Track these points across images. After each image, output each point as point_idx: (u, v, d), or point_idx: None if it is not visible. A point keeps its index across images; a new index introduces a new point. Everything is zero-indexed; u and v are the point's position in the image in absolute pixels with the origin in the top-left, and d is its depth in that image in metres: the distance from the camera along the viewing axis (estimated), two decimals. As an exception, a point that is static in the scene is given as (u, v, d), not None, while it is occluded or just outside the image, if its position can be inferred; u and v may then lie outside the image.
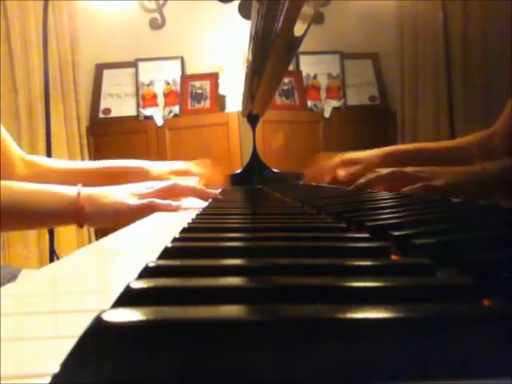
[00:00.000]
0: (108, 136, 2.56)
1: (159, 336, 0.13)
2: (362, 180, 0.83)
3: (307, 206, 0.63)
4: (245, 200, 0.89)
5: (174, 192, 0.83)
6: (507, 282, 0.19)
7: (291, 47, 0.79)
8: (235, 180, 1.58)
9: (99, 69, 2.68)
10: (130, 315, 0.14)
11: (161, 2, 2.73)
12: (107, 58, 2.67)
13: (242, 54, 2.32)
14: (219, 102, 2.61)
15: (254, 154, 1.62)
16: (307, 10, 0.61)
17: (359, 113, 2.70)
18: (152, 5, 2.73)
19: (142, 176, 0.94)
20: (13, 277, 0.90)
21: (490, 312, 0.16)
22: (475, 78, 2.44)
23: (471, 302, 0.18)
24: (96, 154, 2.53)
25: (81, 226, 0.70)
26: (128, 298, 0.18)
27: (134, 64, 2.67)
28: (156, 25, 2.73)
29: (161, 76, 2.67)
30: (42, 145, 2.22)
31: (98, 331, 0.13)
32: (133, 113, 2.63)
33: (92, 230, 2.45)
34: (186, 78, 2.67)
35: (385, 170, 0.82)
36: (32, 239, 2.26)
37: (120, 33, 2.64)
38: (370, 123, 2.66)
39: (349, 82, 2.76)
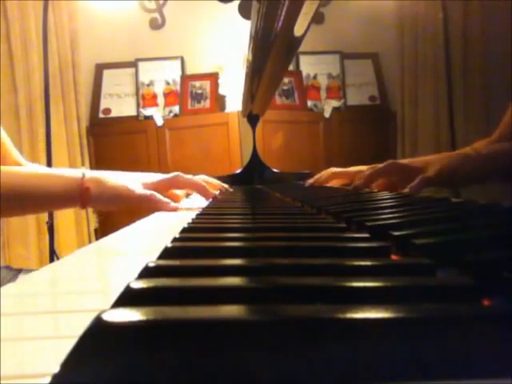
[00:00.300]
0: (108, 136, 2.56)
1: (159, 336, 0.13)
2: (361, 180, 0.83)
3: (307, 205, 0.63)
4: (245, 200, 0.89)
5: (177, 183, 0.84)
6: (507, 281, 0.19)
7: (291, 47, 0.79)
8: (235, 180, 1.58)
9: (99, 69, 2.68)
10: (130, 315, 0.14)
11: (161, 1, 2.73)
12: (107, 58, 2.67)
13: (242, 54, 2.33)
14: (219, 101, 2.61)
15: (254, 154, 1.62)
16: (307, 9, 0.61)
17: (359, 113, 2.70)
18: (152, 5, 2.73)
19: None
20: (13, 277, 0.91)
21: (490, 312, 0.16)
22: (475, 78, 2.44)
23: (471, 301, 0.18)
24: (96, 154, 2.53)
25: (84, 206, 0.71)
26: (128, 298, 0.18)
27: (134, 64, 2.67)
28: (156, 25, 2.73)
29: (161, 76, 2.67)
30: (41, 145, 2.22)
31: (98, 331, 0.13)
32: (133, 113, 2.63)
33: (92, 230, 2.45)
34: (186, 78, 2.67)
35: (379, 165, 0.82)
36: (32, 239, 2.26)
37: (120, 33, 2.64)
38: (370, 123, 2.66)
39: (349, 82, 2.76)
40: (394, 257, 0.27)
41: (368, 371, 0.13)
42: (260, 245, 0.31)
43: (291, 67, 2.68)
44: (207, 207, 0.72)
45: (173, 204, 0.77)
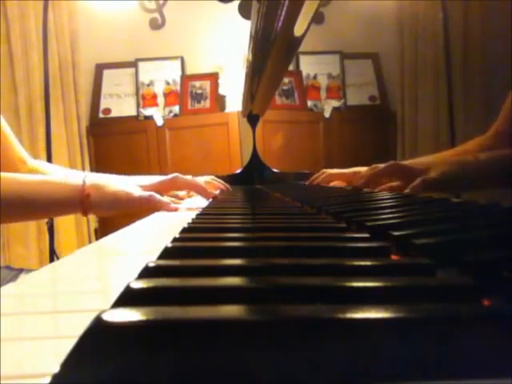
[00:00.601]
0: (108, 136, 2.56)
1: (159, 336, 0.13)
2: (362, 179, 0.83)
3: (307, 206, 0.63)
4: (245, 200, 0.89)
5: (176, 184, 0.85)
6: (507, 281, 0.19)
7: (291, 47, 0.79)
8: (235, 180, 1.58)
9: (99, 69, 2.68)
10: (130, 315, 0.14)
11: (161, 1, 2.73)
12: (107, 58, 2.67)
13: (242, 54, 2.33)
14: (219, 101, 2.61)
15: (254, 154, 1.62)
16: (307, 9, 0.61)
17: (359, 113, 2.70)
18: (152, 5, 2.73)
19: None
20: (14, 277, 0.91)
21: (490, 312, 0.16)
22: (475, 78, 2.44)
23: (471, 301, 0.18)
24: (96, 154, 2.53)
25: (85, 213, 0.72)
26: (128, 298, 0.18)
27: (134, 64, 2.67)
28: (156, 25, 2.73)
29: (161, 76, 2.67)
30: (41, 145, 2.22)
31: (98, 331, 0.13)
32: (133, 113, 2.63)
33: (92, 230, 2.45)
34: (186, 78, 2.67)
35: (381, 165, 0.82)
36: (32, 239, 2.26)
37: (120, 33, 2.64)
38: (370, 123, 2.66)
39: (349, 82, 2.76)
40: (394, 257, 0.27)
41: (368, 371, 0.13)
42: (260, 245, 0.31)
43: (291, 67, 2.68)
44: (207, 207, 0.72)
45: (173, 204, 0.77)
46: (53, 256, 2.01)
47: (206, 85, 2.64)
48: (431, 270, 0.22)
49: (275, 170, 1.64)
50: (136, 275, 0.21)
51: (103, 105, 2.64)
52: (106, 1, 2.59)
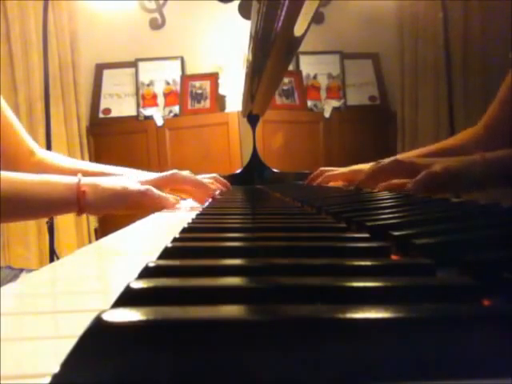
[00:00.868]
0: (108, 136, 2.56)
1: (159, 336, 0.13)
2: (364, 176, 0.82)
3: (307, 206, 0.63)
4: (245, 200, 0.89)
5: (175, 180, 0.83)
6: (507, 281, 0.19)
7: (291, 47, 0.79)
8: (235, 180, 1.58)
9: (99, 69, 2.68)
10: (130, 315, 0.14)
11: (161, 1, 2.73)
12: (107, 58, 2.67)
13: (242, 54, 2.33)
14: (219, 101, 2.61)
15: (254, 153, 1.62)
16: (307, 9, 0.61)
17: (359, 113, 2.70)
18: (152, 5, 2.73)
19: None
20: (14, 277, 0.90)
21: (490, 312, 0.16)
22: (475, 78, 2.44)
23: (471, 302, 0.18)
24: (96, 154, 2.53)
25: (81, 212, 0.70)
26: (128, 297, 0.18)
27: (134, 64, 2.67)
28: (156, 25, 2.73)
29: (161, 76, 2.67)
30: (41, 144, 2.21)
31: (98, 331, 0.13)
32: (133, 113, 2.63)
33: (92, 230, 2.45)
34: (185, 78, 2.67)
35: (385, 161, 0.81)
36: (32, 239, 2.26)
37: (120, 33, 2.64)
38: (370, 123, 2.67)
39: (349, 82, 2.76)
40: (394, 257, 0.27)
41: (368, 371, 0.13)
42: (260, 245, 0.31)
43: (291, 67, 2.68)
44: (207, 207, 0.72)
45: (170, 200, 0.76)
46: (53, 256, 2.01)
47: (206, 85, 2.64)
48: (431, 270, 0.22)
49: (275, 170, 1.64)
50: (136, 275, 0.21)
51: (103, 105, 2.64)
52: (106, 1, 2.59)
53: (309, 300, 0.17)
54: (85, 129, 2.49)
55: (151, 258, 0.24)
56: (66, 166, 0.94)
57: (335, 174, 1.18)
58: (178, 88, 2.66)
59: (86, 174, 0.75)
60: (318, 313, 0.15)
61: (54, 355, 0.14)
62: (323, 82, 2.73)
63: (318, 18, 2.67)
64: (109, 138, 2.56)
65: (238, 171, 1.64)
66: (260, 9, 0.68)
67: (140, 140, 2.53)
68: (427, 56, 2.51)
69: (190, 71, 2.72)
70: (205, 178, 1.15)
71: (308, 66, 2.73)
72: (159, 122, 2.55)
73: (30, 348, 0.16)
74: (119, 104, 2.65)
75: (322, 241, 0.32)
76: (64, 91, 2.41)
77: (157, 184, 0.79)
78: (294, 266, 0.24)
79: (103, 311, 0.14)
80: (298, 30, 0.68)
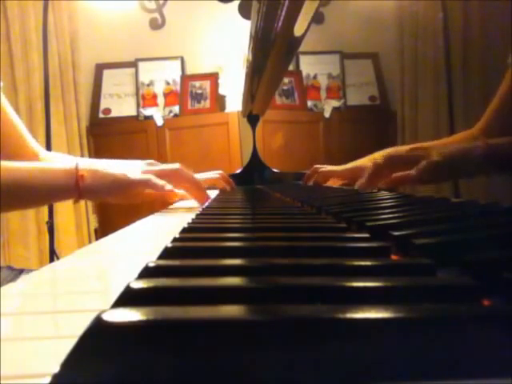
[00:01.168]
0: (108, 136, 2.56)
1: (159, 336, 0.13)
2: (363, 180, 0.82)
3: (307, 205, 0.63)
4: (245, 200, 0.89)
5: (177, 176, 0.80)
6: (507, 281, 0.19)
7: (291, 47, 0.79)
8: (235, 180, 1.58)
9: (99, 69, 2.68)
10: (130, 315, 0.14)
11: (161, 1, 2.73)
12: (107, 58, 2.67)
13: (242, 54, 2.33)
14: (219, 102, 2.61)
15: (254, 153, 1.62)
16: (307, 9, 0.61)
17: (359, 113, 2.70)
18: (152, 5, 2.73)
19: None
20: (14, 277, 0.90)
21: (490, 312, 0.16)
22: (475, 78, 2.44)
23: (471, 302, 0.18)
24: (96, 154, 2.53)
25: (80, 196, 0.69)
26: (128, 297, 0.18)
27: (134, 64, 2.67)
28: (156, 25, 2.73)
29: (161, 76, 2.67)
30: (42, 145, 2.21)
31: (98, 331, 0.13)
32: (133, 113, 2.63)
33: (92, 230, 2.45)
34: (185, 78, 2.67)
35: (379, 160, 0.80)
36: (32, 239, 2.26)
37: (120, 33, 2.64)
38: (370, 123, 2.67)
39: (349, 82, 2.76)
40: (394, 257, 0.27)
41: (368, 371, 0.13)
42: (260, 245, 0.31)
43: (291, 67, 2.68)
44: (207, 207, 0.72)
45: (170, 187, 0.74)
46: (53, 256, 2.01)
47: (206, 85, 2.64)
48: (431, 270, 0.22)
49: (275, 170, 1.64)
50: (136, 275, 0.21)
51: (103, 105, 2.64)
52: (106, 1, 2.60)
53: (309, 300, 0.17)
54: (85, 129, 2.49)
55: (151, 258, 0.24)
56: None
57: (330, 171, 1.18)
58: (177, 88, 2.66)
59: None
60: (318, 313, 0.15)
61: (54, 355, 0.14)
62: (323, 81, 2.73)
63: (317, 18, 2.67)
64: (109, 138, 2.56)
65: (238, 171, 1.64)
66: (260, 9, 0.68)
67: (140, 140, 2.53)
68: (427, 56, 2.51)
69: (189, 71, 2.72)
70: (211, 174, 1.15)
71: (308, 66, 2.74)
72: (159, 121, 2.55)
73: (30, 348, 0.16)
74: (119, 104, 2.65)
75: (322, 241, 0.32)
76: (64, 91, 2.41)
77: (158, 176, 0.77)
78: (294, 266, 0.24)
79: (103, 311, 0.14)
80: (298, 29, 0.68)
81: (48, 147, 2.08)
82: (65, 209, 2.30)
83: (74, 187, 0.68)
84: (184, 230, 0.38)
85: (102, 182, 0.70)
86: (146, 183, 0.72)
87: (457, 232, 0.31)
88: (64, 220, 2.32)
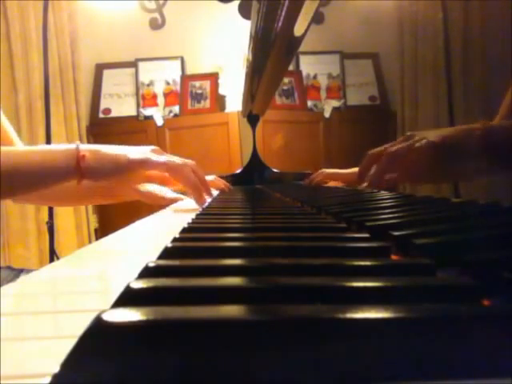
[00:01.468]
0: (108, 136, 2.56)
1: (159, 336, 0.13)
2: (367, 181, 0.81)
3: (307, 205, 0.63)
4: (245, 200, 0.89)
5: (181, 174, 0.76)
6: (507, 281, 0.19)
7: (291, 47, 0.79)
8: (235, 180, 1.58)
9: (99, 69, 2.68)
10: (130, 315, 0.14)
11: (161, 1, 2.73)
12: (107, 58, 2.67)
13: (242, 54, 2.33)
14: (219, 101, 2.61)
15: (254, 153, 1.62)
16: (307, 9, 0.61)
17: (359, 113, 2.70)
18: (152, 5, 2.73)
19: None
20: (14, 277, 0.90)
21: (490, 312, 0.16)
22: (475, 78, 2.44)
23: (471, 302, 0.18)
24: (96, 154, 2.53)
25: (82, 176, 0.67)
26: (128, 298, 0.18)
27: (134, 64, 2.67)
28: (156, 25, 2.73)
29: (161, 76, 2.67)
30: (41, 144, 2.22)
31: (98, 331, 0.13)
32: (133, 113, 2.63)
33: (92, 230, 2.45)
34: (185, 78, 2.67)
35: (381, 161, 0.78)
36: (32, 239, 2.26)
37: (120, 33, 2.64)
38: (370, 123, 2.67)
39: (349, 82, 2.76)
40: (394, 257, 0.27)
41: (368, 371, 0.13)
42: (260, 245, 0.31)
43: (291, 67, 2.68)
44: (207, 207, 0.72)
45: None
46: (53, 256, 2.01)
47: (206, 85, 2.64)
48: (431, 270, 0.22)
49: (275, 170, 1.64)
50: (136, 275, 0.21)
51: (103, 105, 2.64)
52: (106, 1, 2.60)
53: (309, 300, 0.17)
54: (85, 129, 2.49)
55: (151, 258, 0.24)
56: None
57: (333, 173, 1.19)
58: (178, 88, 2.65)
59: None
60: (318, 313, 0.15)
61: (54, 355, 0.14)
62: (323, 81, 2.73)
63: (317, 18, 2.67)
64: (109, 138, 2.55)
65: (238, 171, 1.65)
66: (260, 9, 0.68)
67: (140, 140, 2.53)
68: (427, 56, 2.51)
69: (189, 71, 2.72)
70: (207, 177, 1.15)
71: (308, 65, 2.74)
72: (159, 121, 2.55)
73: (30, 348, 0.16)
74: (119, 104, 2.65)
75: (322, 241, 0.32)
76: (64, 91, 2.41)
77: (163, 166, 0.74)
78: (294, 266, 0.24)
79: (103, 311, 0.14)
80: (298, 29, 0.68)
81: (48, 147, 2.08)
82: (65, 209, 2.30)
83: (75, 168, 0.67)
84: (184, 230, 0.38)
85: (103, 163, 0.69)
86: (145, 163, 0.71)
87: (457, 232, 0.31)
88: (64, 220, 2.32)
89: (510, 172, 0.71)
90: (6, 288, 0.24)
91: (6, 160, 0.62)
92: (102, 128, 2.59)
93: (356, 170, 1.13)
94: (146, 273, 0.22)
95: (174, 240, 0.31)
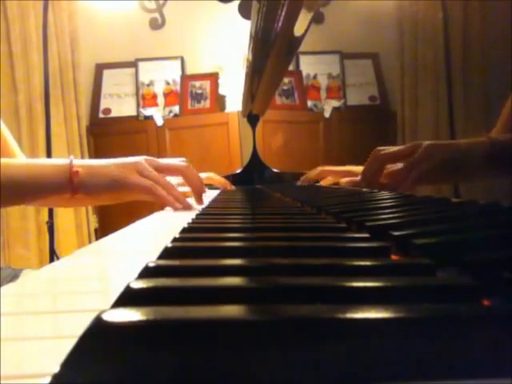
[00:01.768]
0: (108, 136, 2.56)
1: (159, 336, 0.13)
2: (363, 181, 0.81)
3: (307, 206, 0.63)
4: (245, 200, 0.89)
5: (183, 175, 0.75)
6: (507, 281, 0.19)
7: (291, 47, 0.79)
8: (235, 180, 1.58)
9: (99, 69, 2.68)
10: (130, 315, 0.14)
11: (161, 1, 2.73)
12: (107, 58, 2.67)
13: (242, 54, 2.32)
14: (219, 101, 2.61)
15: (254, 153, 1.62)
16: (307, 9, 0.61)
17: (359, 113, 2.70)
18: (152, 5, 2.73)
19: None
20: (14, 277, 0.90)
21: (490, 312, 0.16)
22: (475, 78, 2.44)
23: (471, 302, 0.18)
24: (96, 154, 2.53)
25: (74, 192, 0.66)
26: (128, 298, 0.18)
27: (134, 64, 2.67)
28: (156, 25, 2.73)
29: (161, 76, 2.67)
30: (41, 145, 2.22)
31: (98, 331, 0.13)
32: (133, 113, 2.63)
33: (92, 230, 2.45)
34: (186, 78, 2.67)
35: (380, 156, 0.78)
36: (32, 239, 2.26)
37: (120, 33, 2.64)
38: (370, 123, 2.67)
39: (349, 82, 2.76)
40: (394, 257, 0.27)
41: (368, 371, 0.13)
42: (260, 245, 0.31)
43: (291, 67, 2.68)
44: (207, 207, 0.72)
45: (176, 203, 0.70)
46: (53, 256, 2.01)
47: (206, 85, 2.64)
48: (431, 270, 0.22)
49: (275, 170, 1.64)
50: (136, 275, 0.21)
51: (103, 105, 2.64)
52: (106, 1, 2.59)
53: (309, 300, 0.17)
54: (85, 129, 2.49)
55: (151, 258, 0.24)
56: None
57: (329, 170, 1.20)
58: (178, 88, 2.65)
59: None
60: (318, 313, 0.15)
61: (54, 355, 0.14)
62: (323, 81, 2.73)
63: (317, 18, 2.67)
64: (109, 138, 2.56)
65: (238, 171, 1.65)
66: (260, 9, 0.68)
67: (140, 140, 2.53)
68: (427, 56, 2.51)
69: (189, 71, 2.72)
70: (204, 175, 1.15)
71: (308, 66, 2.74)
72: (159, 121, 2.55)
73: (30, 348, 0.16)
74: (119, 104, 2.65)
75: (322, 241, 0.32)
76: (64, 91, 2.41)
77: (160, 171, 0.71)
78: (294, 266, 0.24)
79: (103, 311, 0.14)
80: (298, 29, 0.68)
81: (48, 147, 2.08)
82: (65, 209, 2.30)
83: (68, 183, 0.66)
84: (184, 230, 0.38)
85: (98, 179, 0.68)
86: (148, 191, 0.68)
87: (457, 232, 0.31)
88: (64, 220, 2.32)
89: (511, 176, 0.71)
90: (6, 288, 0.24)
91: (2, 171, 0.63)
92: (102, 128, 2.59)
93: (350, 168, 1.15)
94: (146, 273, 0.22)
95: (174, 240, 0.31)
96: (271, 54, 0.80)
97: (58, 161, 0.69)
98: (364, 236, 0.32)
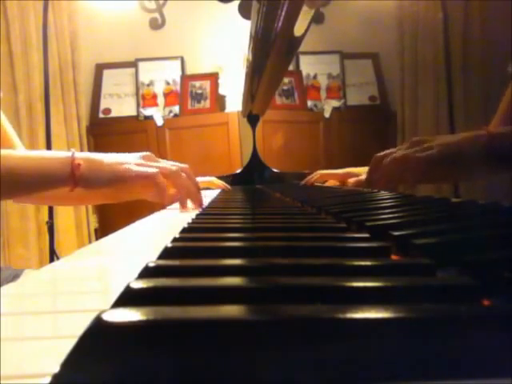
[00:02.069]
0: (108, 136, 2.56)
1: (159, 336, 0.13)
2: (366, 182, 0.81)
3: (307, 205, 0.63)
4: (245, 200, 0.89)
5: (176, 179, 0.74)
6: (507, 281, 0.19)
7: (291, 47, 0.79)
8: (235, 180, 1.58)
9: (99, 69, 2.68)
10: (130, 315, 0.14)
11: (161, 1, 2.73)
12: (107, 58, 2.67)
13: (242, 54, 2.32)
14: (219, 101, 2.61)
15: (254, 153, 1.62)
16: (307, 9, 0.61)
17: (359, 113, 2.70)
18: (152, 5, 2.73)
19: None
20: (15, 277, 0.90)
21: (489, 312, 0.16)
22: (475, 78, 2.43)
23: (471, 301, 0.18)
24: (96, 154, 2.53)
25: (75, 185, 0.66)
26: (128, 298, 0.18)
27: (134, 64, 2.67)
28: (156, 25, 2.73)
29: (161, 76, 2.67)
30: (42, 145, 2.22)
31: (98, 331, 0.13)
32: (133, 113, 2.63)
33: (92, 230, 2.45)
34: (186, 78, 2.67)
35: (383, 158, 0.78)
36: (32, 239, 2.26)
37: (120, 33, 2.64)
38: (370, 123, 2.67)
39: (349, 82, 2.76)
40: (394, 257, 0.27)
41: (368, 371, 0.13)
42: (260, 245, 0.31)
43: (291, 67, 2.68)
44: (207, 207, 0.72)
45: (174, 194, 0.70)
46: (53, 256, 2.01)
47: (206, 85, 2.64)
48: (431, 270, 0.22)
49: (275, 170, 1.64)
50: (136, 275, 0.21)
51: (103, 105, 2.64)
52: (106, 1, 2.59)
53: (309, 300, 0.17)
54: (85, 129, 2.49)
55: (151, 258, 0.24)
56: None
57: (328, 173, 1.24)
58: (178, 88, 2.65)
59: None
60: (318, 313, 0.15)
61: (54, 355, 0.14)
62: (323, 81, 2.73)
63: (318, 18, 2.67)
64: (109, 138, 2.56)
65: (238, 171, 1.65)
66: (260, 9, 0.68)
67: (140, 140, 2.53)
68: (427, 56, 2.51)
69: (189, 71, 2.72)
70: (204, 178, 1.16)
71: (308, 65, 2.73)
72: (159, 121, 2.54)
73: (30, 348, 0.16)
74: (119, 104, 2.65)
75: (322, 241, 0.32)
76: (64, 91, 2.41)
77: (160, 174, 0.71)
78: (294, 266, 0.24)
79: (103, 311, 0.14)
80: (298, 29, 0.68)
81: (48, 147, 2.08)
82: (65, 209, 2.30)
83: (69, 176, 0.66)
84: (184, 230, 0.38)
85: (99, 173, 0.67)
86: (150, 177, 0.68)
87: (457, 232, 0.31)
88: (64, 220, 2.32)
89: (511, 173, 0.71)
90: (6, 288, 0.24)
91: (1, 164, 0.62)
92: (102, 128, 2.59)
93: (349, 170, 1.17)
94: (146, 273, 0.22)
95: (174, 240, 0.31)
96: (271, 54, 0.80)
97: (60, 153, 0.68)
98: (364, 236, 0.32)
